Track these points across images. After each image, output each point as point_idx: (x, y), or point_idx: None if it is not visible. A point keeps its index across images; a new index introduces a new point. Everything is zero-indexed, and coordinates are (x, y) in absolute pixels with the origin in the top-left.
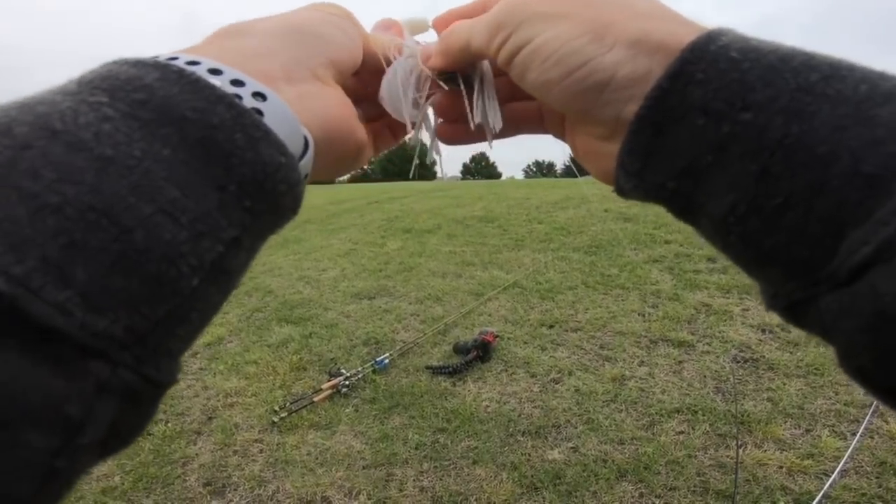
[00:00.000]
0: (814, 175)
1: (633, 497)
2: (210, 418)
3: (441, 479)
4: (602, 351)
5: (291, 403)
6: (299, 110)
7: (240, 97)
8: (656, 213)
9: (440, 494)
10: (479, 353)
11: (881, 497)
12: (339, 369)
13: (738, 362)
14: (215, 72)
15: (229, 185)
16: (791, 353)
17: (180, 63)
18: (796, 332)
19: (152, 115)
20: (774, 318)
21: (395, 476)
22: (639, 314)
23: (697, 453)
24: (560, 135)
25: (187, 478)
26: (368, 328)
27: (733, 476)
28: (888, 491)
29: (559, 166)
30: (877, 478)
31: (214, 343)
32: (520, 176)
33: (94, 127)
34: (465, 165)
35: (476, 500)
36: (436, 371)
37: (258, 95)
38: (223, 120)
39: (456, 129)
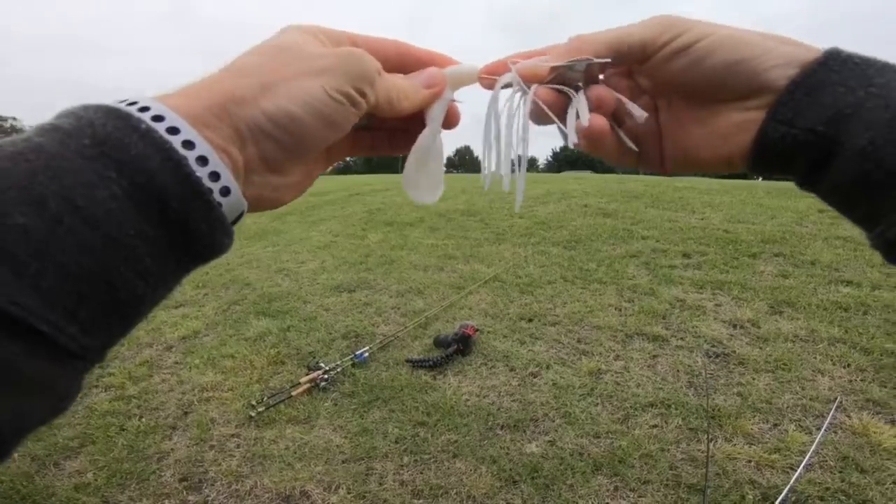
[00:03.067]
0: None
1: (608, 490)
2: (186, 413)
3: (421, 473)
4: (579, 345)
5: (269, 398)
6: (247, 192)
7: (211, 191)
8: (634, 210)
9: (420, 488)
10: (460, 346)
11: (844, 491)
12: (317, 363)
13: (710, 357)
14: (203, 160)
15: (184, 257)
16: (760, 348)
17: (176, 142)
18: (765, 328)
19: (147, 198)
20: (745, 314)
21: (374, 470)
22: (615, 308)
23: (670, 447)
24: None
25: (163, 473)
26: (348, 321)
27: (704, 470)
28: (850, 485)
29: (541, 162)
30: (840, 472)
31: (190, 337)
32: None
33: (105, 205)
34: (448, 159)
35: (456, 493)
36: (416, 364)
37: (216, 178)
38: (196, 214)
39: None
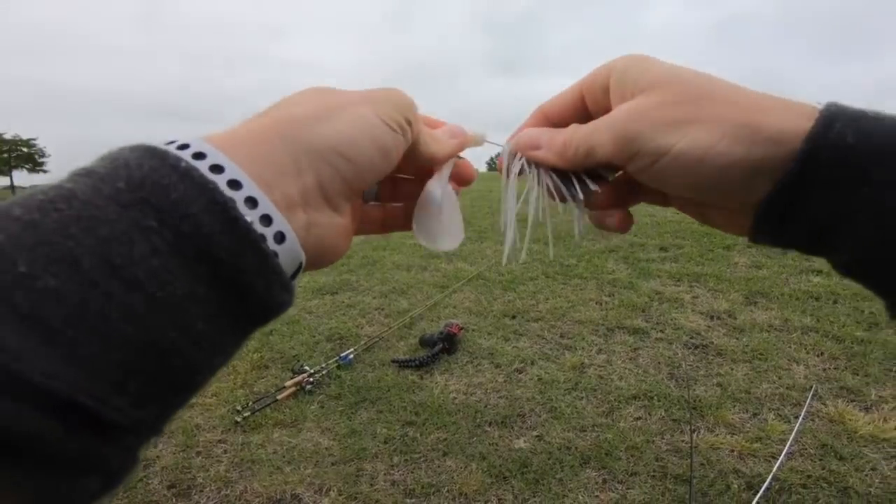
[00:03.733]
0: None
1: (596, 483)
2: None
3: (412, 472)
4: (562, 340)
5: (254, 402)
6: (304, 237)
7: (264, 237)
8: None
9: (412, 487)
10: (446, 345)
11: (825, 479)
12: (302, 366)
13: (689, 349)
14: (252, 202)
15: (242, 318)
16: (737, 339)
17: (221, 181)
18: (741, 319)
19: (194, 251)
20: (721, 305)
21: (365, 471)
22: (596, 303)
23: (655, 438)
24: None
25: (150, 480)
26: (332, 324)
27: (689, 460)
28: (831, 473)
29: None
30: (820, 459)
31: None
32: (483, 168)
33: (146, 262)
34: None
35: (448, 491)
36: (402, 364)
37: (268, 223)
38: (250, 266)
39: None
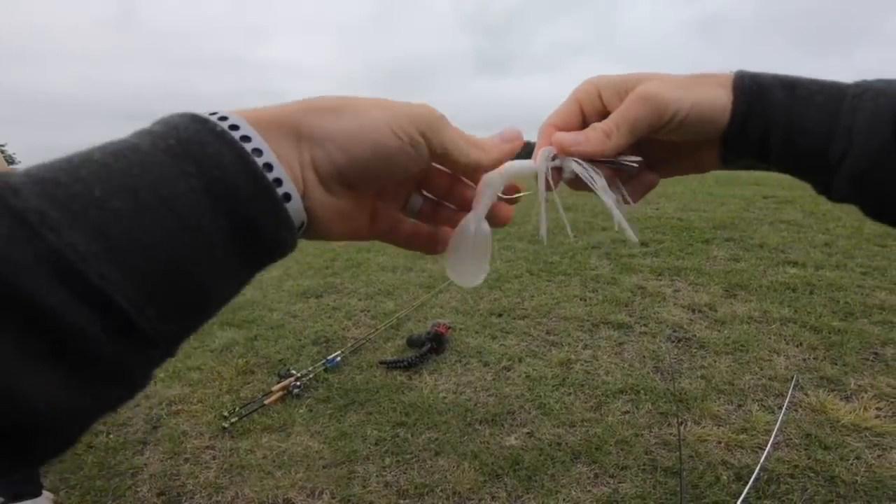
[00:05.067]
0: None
1: (588, 478)
2: (155, 427)
3: (405, 473)
4: (549, 336)
5: (241, 408)
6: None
7: (280, 181)
8: (593, 203)
9: (405, 488)
10: (434, 345)
11: (811, 468)
12: (288, 370)
13: (673, 342)
14: (268, 167)
15: (253, 251)
16: (719, 331)
17: (248, 148)
18: (722, 311)
19: (222, 192)
20: (702, 299)
21: (357, 473)
22: (581, 299)
23: (643, 432)
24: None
25: (139, 488)
26: (317, 327)
27: (678, 453)
28: (817, 462)
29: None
30: (805, 449)
31: None
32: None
33: (185, 197)
34: None
35: (441, 490)
36: (390, 365)
37: (279, 185)
38: (264, 209)
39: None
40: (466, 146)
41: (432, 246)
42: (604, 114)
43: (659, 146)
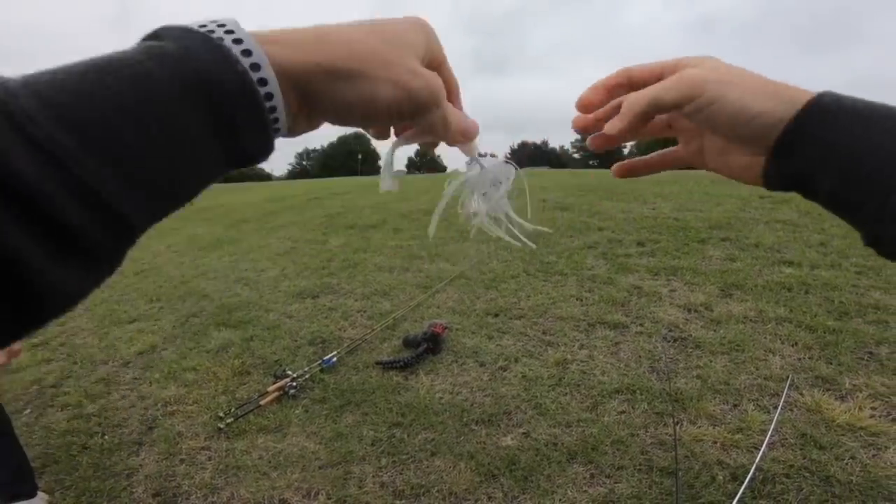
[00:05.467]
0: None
1: (584, 478)
2: (150, 428)
3: (401, 473)
4: (545, 336)
5: (237, 408)
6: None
7: (266, 81)
8: (589, 203)
9: (401, 488)
10: (430, 345)
11: (807, 468)
12: (284, 371)
13: (669, 341)
14: (263, 82)
15: (229, 147)
16: (714, 330)
17: (246, 62)
18: (718, 311)
19: (209, 93)
20: (698, 298)
21: (353, 474)
22: (577, 299)
23: (639, 432)
24: (701, 161)
25: (134, 489)
26: (313, 327)
27: (674, 453)
28: (812, 462)
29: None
30: (800, 449)
31: (147, 351)
32: (464, 169)
33: (190, 131)
34: (409, 160)
35: (437, 491)
36: (387, 366)
37: (270, 98)
38: (246, 109)
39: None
40: (442, 129)
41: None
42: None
43: (712, 136)
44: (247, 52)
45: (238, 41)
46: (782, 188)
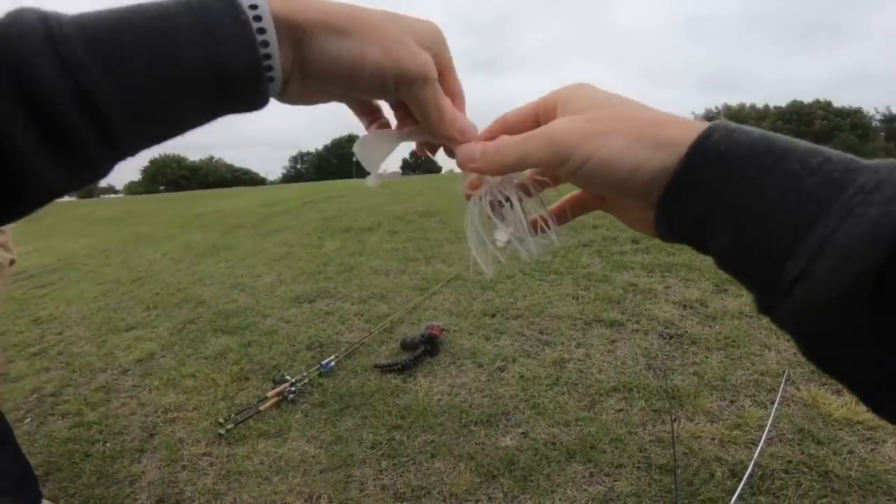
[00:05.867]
0: (759, 227)
1: (583, 477)
2: (151, 435)
3: (401, 476)
4: (542, 336)
5: (237, 414)
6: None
7: (264, 30)
8: None
9: (402, 491)
10: (428, 347)
11: (805, 463)
12: (283, 376)
13: (665, 339)
14: (265, 44)
15: (225, 96)
16: (710, 327)
17: (254, 25)
18: (713, 307)
19: (217, 44)
20: (693, 294)
21: (354, 477)
22: (573, 297)
23: (637, 430)
24: (609, 209)
25: (137, 496)
26: (311, 332)
27: (672, 450)
28: (810, 457)
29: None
30: (798, 444)
31: (146, 359)
32: (458, 170)
33: (188, 37)
34: (404, 161)
35: (438, 492)
36: (385, 369)
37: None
38: (250, 88)
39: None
40: (433, 111)
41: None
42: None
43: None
44: (254, 6)
45: (254, 5)
46: (679, 241)
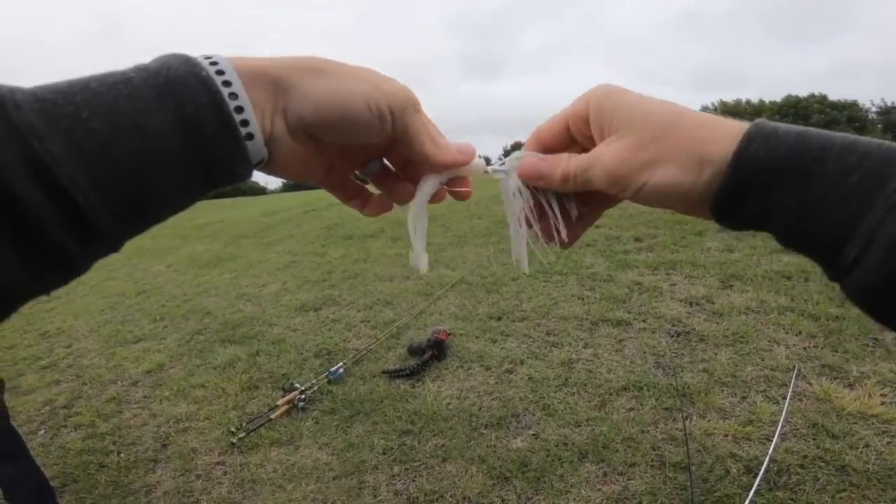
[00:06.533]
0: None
1: (597, 476)
2: (164, 445)
3: (414, 480)
4: (549, 337)
5: (248, 423)
6: (266, 142)
7: (247, 122)
8: None
9: (415, 495)
10: (435, 352)
11: (821, 458)
12: (292, 384)
13: (673, 336)
14: (239, 109)
15: (208, 176)
16: (717, 323)
17: (225, 92)
18: (719, 303)
19: (189, 125)
20: (699, 291)
21: (367, 483)
22: (578, 298)
23: (649, 428)
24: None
25: None
26: (318, 340)
27: (685, 448)
28: (826, 452)
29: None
30: (813, 439)
31: (155, 370)
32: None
33: (158, 126)
34: None
35: (451, 496)
36: (393, 375)
37: (246, 125)
38: (223, 143)
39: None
40: (426, 138)
41: (369, 209)
42: (587, 138)
43: None
44: (215, 63)
45: (214, 63)
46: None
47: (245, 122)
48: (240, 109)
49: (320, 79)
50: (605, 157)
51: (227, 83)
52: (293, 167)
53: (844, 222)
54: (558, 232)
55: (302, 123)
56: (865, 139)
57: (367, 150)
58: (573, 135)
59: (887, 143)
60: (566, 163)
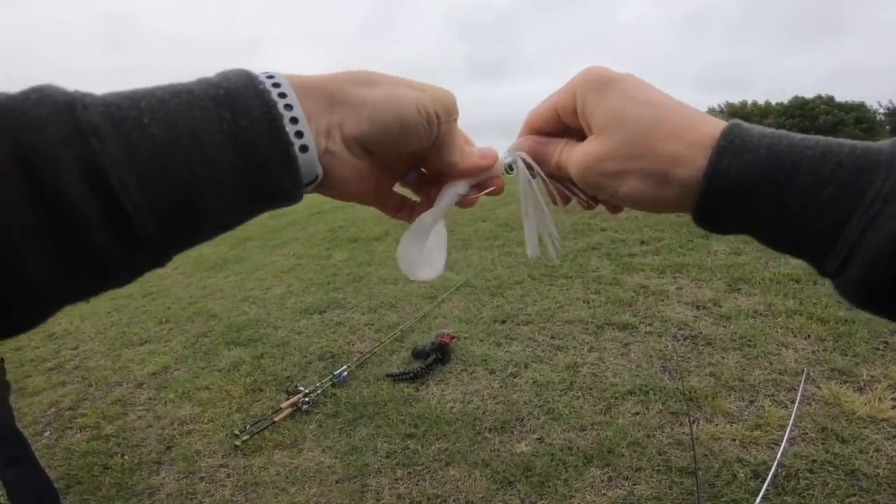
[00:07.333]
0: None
1: (602, 481)
2: (168, 447)
3: (417, 484)
4: (553, 341)
5: (252, 425)
6: (321, 156)
7: (293, 144)
8: None
9: (418, 499)
10: (438, 355)
11: (830, 462)
12: (296, 387)
13: (679, 340)
14: (294, 121)
15: (258, 192)
16: (725, 326)
17: (280, 104)
18: (727, 307)
19: (245, 138)
20: (706, 294)
21: (370, 486)
22: (583, 301)
23: (655, 432)
24: None
25: None
26: (322, 342)
27: (692, 452)
28: (835, 456)
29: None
30: (822, 443)
31: (160, 372)
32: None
33: (213, 136)
34: None
35: (454, 500)
36: (397, 378)
37: (300, 136)
38: (275, 157)
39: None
40: (457, 147)
41: (415, 217)
42: (575, 125)
43: None
44: (271, 76)
45: (271, 76)
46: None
47: (300, 134)
48: (294, 120)
49: (372, 88)
50: (577, 161)
51: (282, 94)
52: (350, 183)
53: (823, 235)
54: (581, 199)
55: (360, 134)
56: (837, 143)
57: (405, 162)
58: (563, 120)
59: (861, 145)
60: (558, 151)
